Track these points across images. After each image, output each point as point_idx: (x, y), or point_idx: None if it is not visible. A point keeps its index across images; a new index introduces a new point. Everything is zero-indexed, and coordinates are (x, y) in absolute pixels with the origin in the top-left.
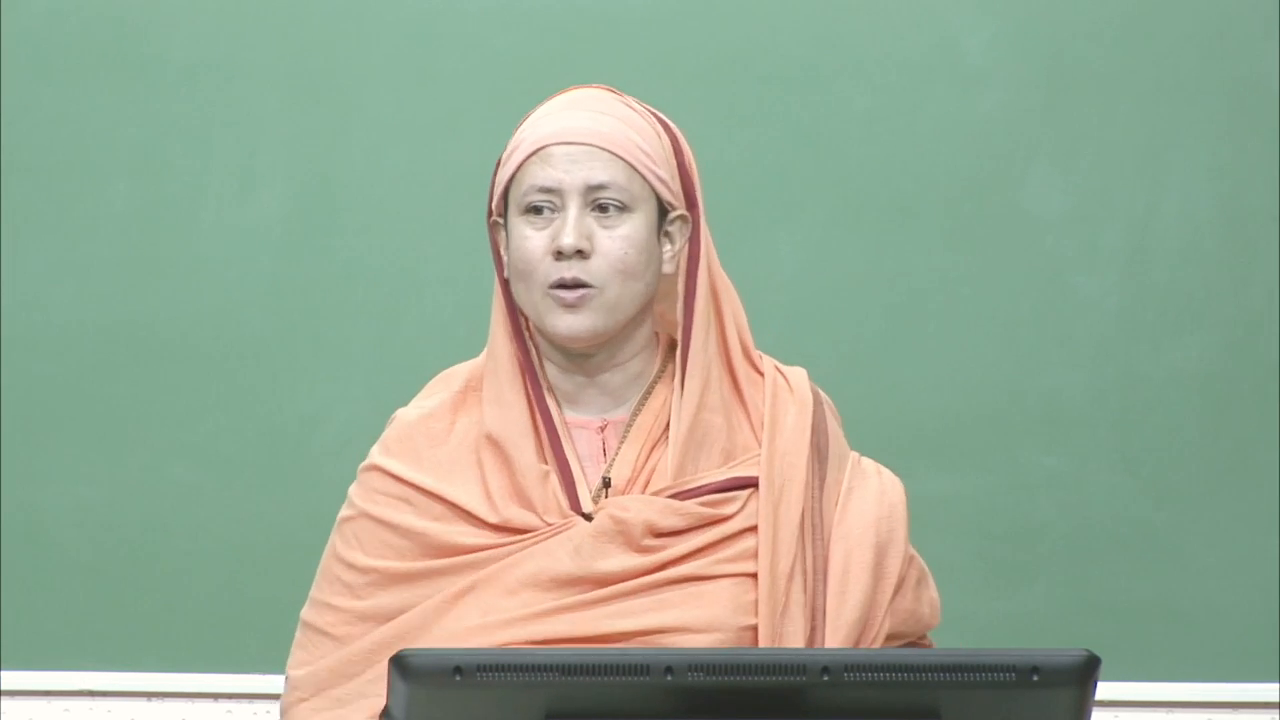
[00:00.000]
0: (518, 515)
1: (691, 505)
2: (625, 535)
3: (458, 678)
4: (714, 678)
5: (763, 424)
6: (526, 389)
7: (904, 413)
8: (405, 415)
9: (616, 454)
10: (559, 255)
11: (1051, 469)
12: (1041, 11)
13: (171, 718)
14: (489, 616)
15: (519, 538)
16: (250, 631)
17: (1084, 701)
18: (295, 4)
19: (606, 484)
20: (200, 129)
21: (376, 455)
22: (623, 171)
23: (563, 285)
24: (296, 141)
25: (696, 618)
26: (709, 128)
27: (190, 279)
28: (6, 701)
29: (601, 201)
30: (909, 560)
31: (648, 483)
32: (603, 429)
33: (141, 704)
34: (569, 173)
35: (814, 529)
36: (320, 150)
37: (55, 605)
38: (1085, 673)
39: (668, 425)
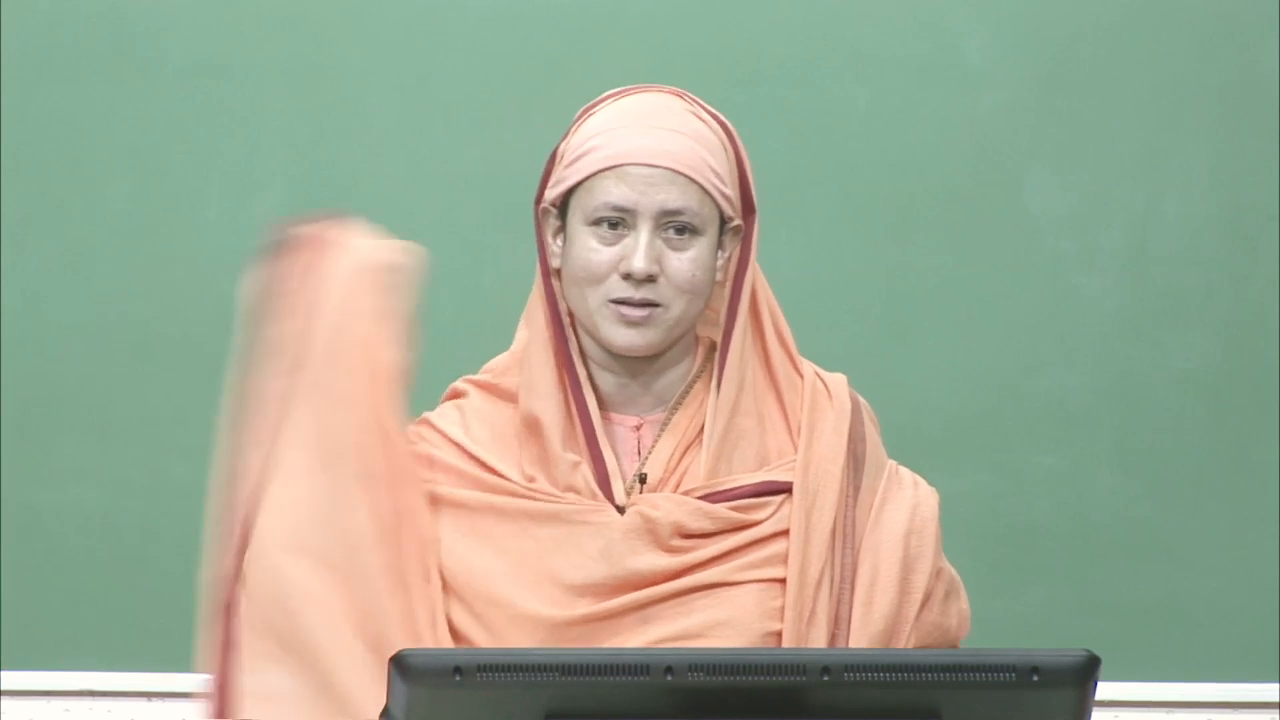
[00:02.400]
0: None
1: (722, 509)
2: (653, 534)
3: (457, 678)
4: (714, 678)
5: (799, 429)
6: (563, 380)
7: (904, 413)
8: (458, 386)
9: (651, 452)
10: (628, 276)
11: (1051, 469)
12: (1041, 12)
13: (171, 718)
14: (515, 607)
15: (554, 498)
16: None
17: (1084, 701)
18: (295, 4)
19: (642, 479)
20: (200, 129)
21: (432, 415)
22: (696, 196)
23: (628, 303)
24: (297, 141)
25: (721, 620)
26: None
27: (190, 279)
28: (6, 701)
29: (674, 224)
30: (937, 574)
31: (679, 484)
32: (639, 427)
33: (141, 704)
34: (645, 195)
35: (845, 537)
36: (320, 150)
37: (55, 605)
38: (1085, 673)
39: (702, 427)
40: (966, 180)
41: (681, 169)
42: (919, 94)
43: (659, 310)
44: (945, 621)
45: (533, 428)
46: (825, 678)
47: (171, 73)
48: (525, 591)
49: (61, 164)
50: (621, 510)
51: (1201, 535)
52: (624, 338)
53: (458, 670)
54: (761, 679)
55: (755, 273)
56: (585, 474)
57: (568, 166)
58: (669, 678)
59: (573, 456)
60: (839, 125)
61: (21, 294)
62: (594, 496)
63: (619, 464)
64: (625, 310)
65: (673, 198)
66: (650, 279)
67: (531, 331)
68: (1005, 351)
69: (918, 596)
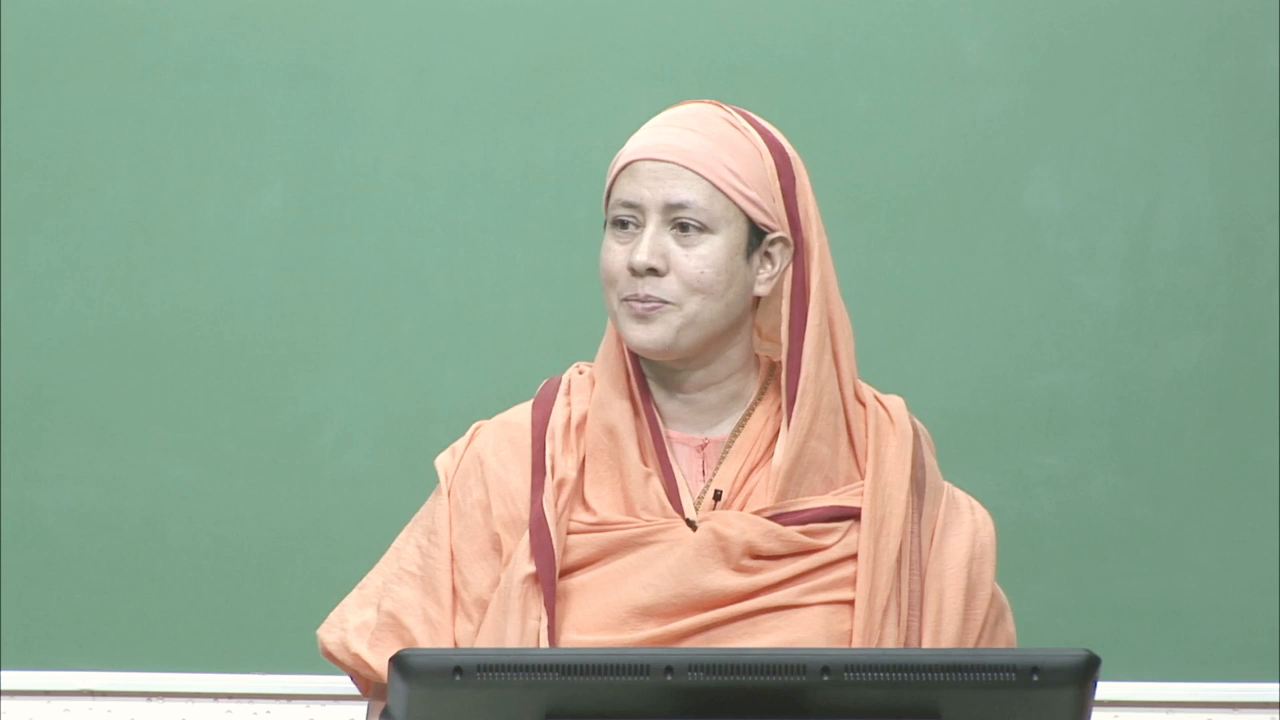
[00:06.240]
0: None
1: (793, 532)
2: (725, 552)
3: (458, 678)
4: (714, 678)
5: (865, 454)
6: (632, 394)
7: None
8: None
9: (715, 472)
10: (634, 271)
11: (1051, 469)
12: (1041, 12)
13: (171, 718)
14: (584, 633)
15: (617, 527)
16: (250, 631)
17: (1084, 701)
18: (295, 4)
19: (717, 496)
20: (200, 129)
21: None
22: (704, 191)
23: (635, 299)
24: (297, 140)
25: (789, 642)
26: None
27: (190, 279)
28: (6, 701)
29: (681, 220)
30: (992, 599)
31: (744, 504)
32: (703, 447)
33: (141, 704)
34: (650, 189)
35: (911, 564)
36: (321, 149)
37: (55, 605)
38: (1085, 673)
39: (767, 448)
40: (966, 180)
41: (687, 163)
42: (919, 94)
43: (669, 307)
44: (994, 645)
45: (609, 436)
46: (825, 678)
47: (171, 73)
48: (589, 618)
49: (61, 164)
50: (693, 525)
51: (1201, 535)
52: (635, 334)
53: (458, 670)
54: (761, 679)
55: (831, 296)
56: (657, 488)
57: (608, 176)
58: (669, 678)
59: (645, 468)
60: (839, 125)
61: (21, 293)
62: (663, 511)
63: (686, 480)
64: (633, 305)
65: (677, 191)
66: (654, 272)
67: (604, 349)
68: (1005, 351)
69: (978, 623)
